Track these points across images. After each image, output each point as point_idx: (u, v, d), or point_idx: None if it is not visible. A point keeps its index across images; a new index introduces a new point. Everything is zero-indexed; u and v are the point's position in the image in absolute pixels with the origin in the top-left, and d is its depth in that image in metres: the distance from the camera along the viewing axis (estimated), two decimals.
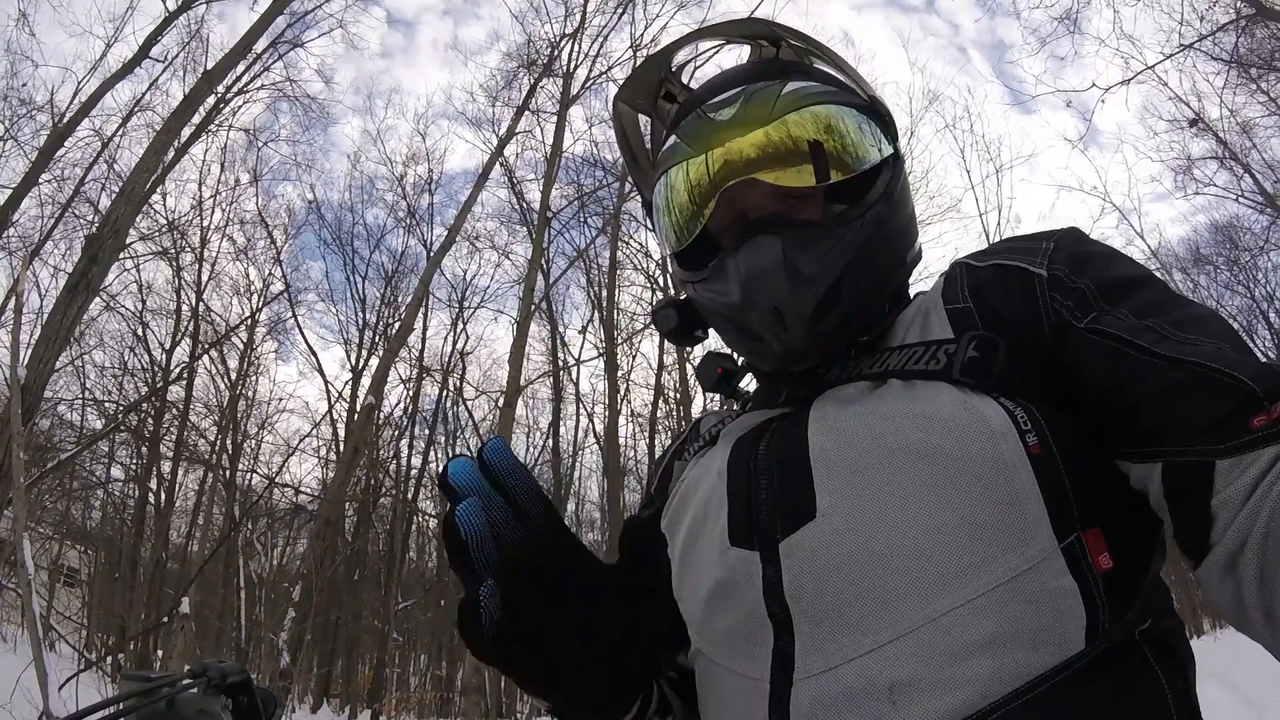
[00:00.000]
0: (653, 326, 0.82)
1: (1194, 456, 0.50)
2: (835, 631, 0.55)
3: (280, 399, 17.76)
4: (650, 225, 0.75)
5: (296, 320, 16.64)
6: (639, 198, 0.81)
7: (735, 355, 0.78)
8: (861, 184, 0.67)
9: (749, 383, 0.81)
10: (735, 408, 0.81)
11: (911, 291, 0.75)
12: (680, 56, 0.81)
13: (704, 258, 0.69)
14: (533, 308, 11.08)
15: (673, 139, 0.71)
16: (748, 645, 0.59)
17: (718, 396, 0.83)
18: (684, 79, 0.81)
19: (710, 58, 0.86)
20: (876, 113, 0.71)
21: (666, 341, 0.85)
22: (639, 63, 0.81)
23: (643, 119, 0.85)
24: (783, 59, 0.76)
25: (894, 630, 0.52)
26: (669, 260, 0.75)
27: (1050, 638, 0.51)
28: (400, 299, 17.18)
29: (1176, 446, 0.51)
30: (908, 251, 0.70)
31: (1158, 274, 0.63)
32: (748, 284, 0.64)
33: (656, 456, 0.91)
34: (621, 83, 0.83)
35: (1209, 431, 0.49)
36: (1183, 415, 0.51)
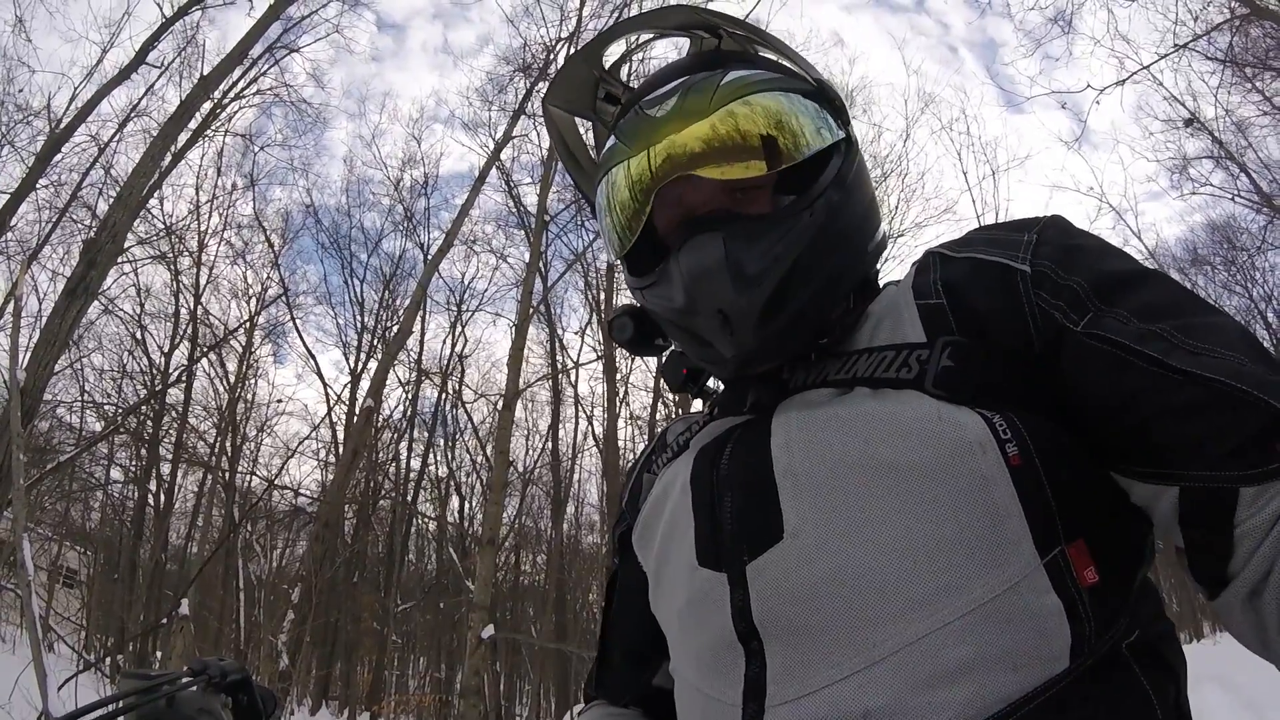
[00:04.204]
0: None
1: (1215, 483, 0.47)
2: (807, 657, 0.53)
3: (280, 401, 17.65)
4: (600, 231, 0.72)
5: (295, 323, 16.61)
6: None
7: None
8: (811, 172, 0.63)
9: (717, 382, 0.78)
10: (703, 410, 0.78)
11: (882, 280, 0.71)
12: (613, 53, 0.77)
13: (653, 262, 0.65)
14: (531, 310, 11.08)
15: (611, 139, 0.68)
16: (720, 668, 0.58)
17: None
18: (622, 77, 0.77)
19: (645, 52, 0.85)
20: (825, 98, 0.67)
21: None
22: (563, 61, 0.81)
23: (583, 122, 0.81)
24: (724, 50, 0.72)
25: (868, 656, 0.50)
26: (620, 267, 0.71)
27: (1033, 659, 0.49)
28: (398, 302, 17.17)
29: (1195, 470, 0.48)
30: (867, 240, 0.66)
31: (1151, 264, 0.60)
32: (690, 286, 0.60)
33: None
34: (549, 84, 0.78)
35: (1231, 456, 0.47)
36: (1202, 437, 0.48)
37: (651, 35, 0.77)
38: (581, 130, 0.83)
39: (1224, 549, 0.48)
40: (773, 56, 0.72)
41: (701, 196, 0.63)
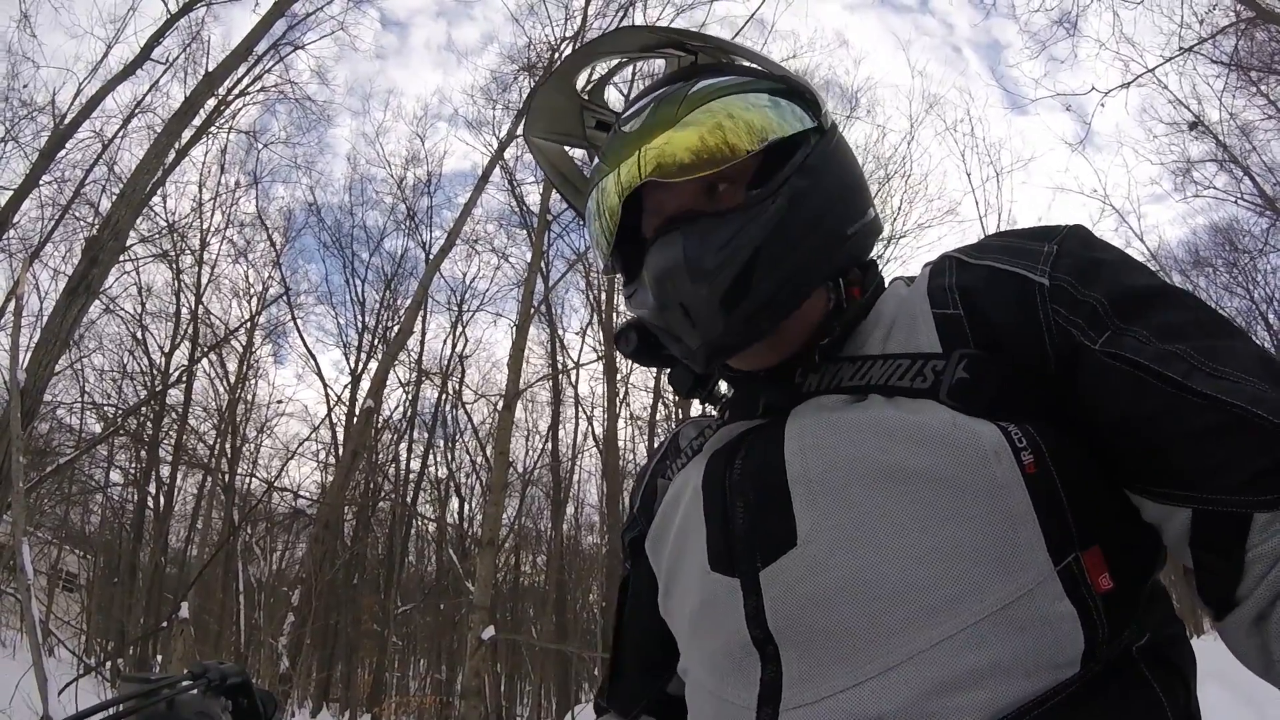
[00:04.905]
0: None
1: (1230, 507, 0.48)
2: (822, 663, 0.53)
3: (280, 401, 17.66)
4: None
5: (296, 323, 16.64)
6: None
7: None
8: (782, 161, 0.64)
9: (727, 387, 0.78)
10: (714, 415, 0.78)
11: (888, 274, 0.72)
12: (592, 80, 0.79)
13: (639, 269, 0.66)
14: (532, 311, 11.08)
15: (596, 161, 0.70)
16: (734, 671, 0.58)
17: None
18: (608, 104, 0.80)
19: (618, 76, 0.84)
20: (794, 93, 0.67)
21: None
22: (531, 93, 0.79)
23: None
24: (699, 64, 0.73)
25: (883, 663, 0.51)
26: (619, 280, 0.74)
27: (1046, 665, 0.49)
28: (399, 302, 17.21)
29: (1211, 494, 0.48)
30: (845, 224, 0.64)
31: (1164, 277, 0.58)
32: (656, 286, 0.62)
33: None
34: (525, 118, 0.80)
35: (1247, 483, 0.47)
36: (1219, 461, 0.48)
37: (621, 59, 0.78)
38: (577, 157, 0.85)
39: (1233, 572, 0.48)
40: (744, 63, 0.73)
41: (677, 201, 0.64)
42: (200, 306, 15.23)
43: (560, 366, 16.03)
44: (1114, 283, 0.56)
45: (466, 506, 18.07)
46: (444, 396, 17.13)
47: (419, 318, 14.48)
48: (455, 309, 17.05)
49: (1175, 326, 0.53)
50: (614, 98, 0.82)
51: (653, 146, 0.62)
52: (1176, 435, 0.49)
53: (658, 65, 0.78)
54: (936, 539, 0.52)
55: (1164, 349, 0.51)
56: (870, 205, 0.68)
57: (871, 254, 0.70)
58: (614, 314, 14.11)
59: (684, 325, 0.62)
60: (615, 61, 0.79)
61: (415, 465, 17.63)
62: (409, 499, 17.32)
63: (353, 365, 16.81)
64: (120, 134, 11.51)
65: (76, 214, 12.07)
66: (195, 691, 0.68)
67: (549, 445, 17.00)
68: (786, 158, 0.63)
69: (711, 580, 0.61)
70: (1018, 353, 0.56)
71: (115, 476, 16.32)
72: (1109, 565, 0.52)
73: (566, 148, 0.83)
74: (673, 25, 0.76)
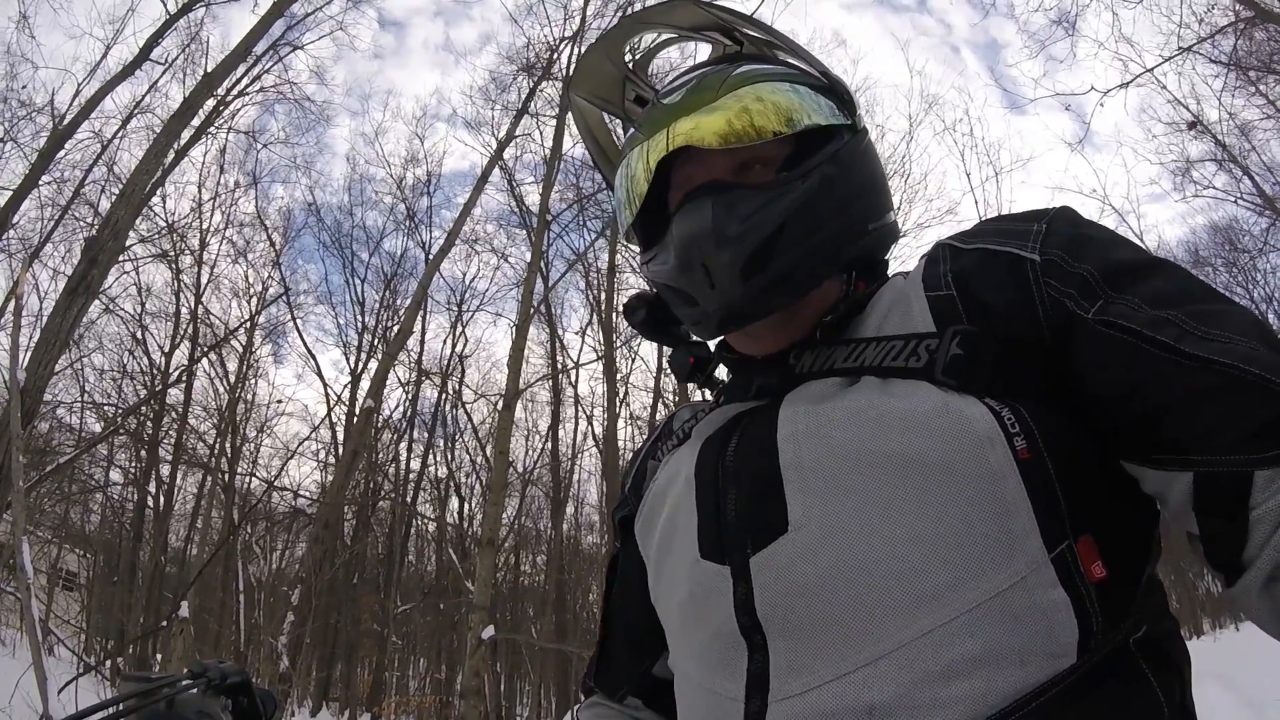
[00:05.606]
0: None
1: (1229, 467, 0.47)
2: (811, 651, 0.53)
3: (279, 401, 17.66)
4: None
5: (295, 323, 16.63)
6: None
7: (706, 343, 0.77)
8: (813, 150, 0.66)
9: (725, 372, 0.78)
10: (709, 399, 0.79)
11: (891, 270, 0.73)
12: (638, 52, 0.80)
13: (661, 238, 0.68)
14: (531, 310, 11.07)
15: (631, 130, 0.73)
16: (722, 662, 0.58)
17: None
18: (650, 81, 0.81)
19: (662, 49, 0.84)
20: (834, 91, 0.70)
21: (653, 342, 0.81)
22: (584, 51, 0.80)
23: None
24: (744, 53, 0.75)
25: (874, 651, 0.50)
26: (633, 245, 0.76)
27: (1040, 654, 0.49)
28: (399, 302, 17.20)
29: (1209, 455, 0.48)
30: (868, 219, 0.67)
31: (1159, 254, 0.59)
32: (680, 247, 0.64)
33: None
34: (572, 74, 0.82)
35: (1246, 441, 0.47)
36: (1216, 422, 0.48)
37: (670, 35, 0.79)
38: (610, 124, 0.86)
39: (1238, 534, 0.48)
40: (787, 57, 0.74)
41: (707, 174, 0.65)
42: (200, 306, 15.26)
43: (560, 366, 16.04)
44: (1104, 255, 0.57)
45: (466, 506, 18.09)
46: (444, 396, 17.15)
47: (419, 317, 14.51)
48: (455, 309, 17.07)
49: (1166, 294, 0.53)
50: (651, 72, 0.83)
51: (690, 119, 0.65)
52: (1172, 399, 0.50)
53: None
54: (929, 526, 0.52)
55: (1156, 315, 0.52)
56: (892, 209, 0.70)
57: (886, 255, 0.71)
58: (614, 314, 14.12)
59: (703, 287, 0.63)
60: (667, 36, 0.80)
61: (415, 465, 17.67)
62: (409, 499, 17.34)
63: (352, 365, 16.83)
64: (119, 134, 11.52)
65: (76, 214, 12.08)
66: (195, 690, 0.68)
67: (549, 445, 17.03)
68: (819, 148, 0.66)
69: (701, 569, 0.61)
70: (1012, 328, 0.56)
71: (115, 476, 16.34)
72: (1102, 554, 0.51)
73: (604, 114, 0.84)
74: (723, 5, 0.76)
